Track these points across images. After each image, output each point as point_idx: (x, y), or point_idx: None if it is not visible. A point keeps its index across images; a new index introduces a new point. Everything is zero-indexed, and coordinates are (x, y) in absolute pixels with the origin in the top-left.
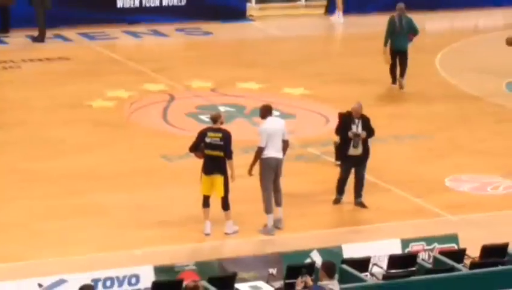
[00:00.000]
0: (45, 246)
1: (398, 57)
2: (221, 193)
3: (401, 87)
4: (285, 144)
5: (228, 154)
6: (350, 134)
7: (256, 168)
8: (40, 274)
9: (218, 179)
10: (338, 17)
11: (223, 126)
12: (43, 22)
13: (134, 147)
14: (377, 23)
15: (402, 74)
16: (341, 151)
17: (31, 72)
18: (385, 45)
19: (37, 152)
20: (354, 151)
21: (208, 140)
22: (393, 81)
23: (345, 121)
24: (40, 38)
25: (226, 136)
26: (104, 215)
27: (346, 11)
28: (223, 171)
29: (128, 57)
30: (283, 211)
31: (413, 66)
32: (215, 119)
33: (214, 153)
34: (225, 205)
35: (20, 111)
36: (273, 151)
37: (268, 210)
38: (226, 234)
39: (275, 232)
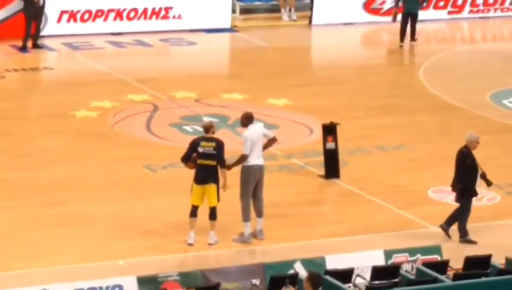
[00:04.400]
0: (29, 256)
1: (410, 19)
2: (215, 202)
3: (413, 40)
4: (274, 140)
5: (222, 163)
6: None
7: (237, 176)
8: (24, 284)
9: (212, 188)
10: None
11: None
12: (28, 31)
13: (118, 157)
14: (363, 34)
15: (412, 35)
16: (468, 187)
17: (15, 82)
18: (397, 5)
19: (20, 162)
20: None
21: (200, 150)
22: (401, 40)
23: (468, 156)
24: (24, 48)
25: (220, 145)
26: (87, 226)
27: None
28: (216, 181)
29: (112, 67)
30: (265, 222)
31: (398, 76)
32: (207, 128)
33: (207, 162)
34: (214, 215)
35: (4, 121)
36: (255, 159)
37: (245, 218)
38: (209, 244)
39: (252, 241)
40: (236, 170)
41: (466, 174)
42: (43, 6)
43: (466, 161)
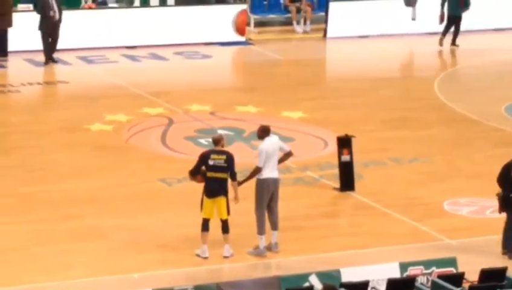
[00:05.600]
0: (43, 270)
1: (454, 22)
2: (225, 215)
3: (454, 45)
4: (289, 154)
5: (233, 176)
6: None
7: (252, 189)
8: None
9: (222, 200)
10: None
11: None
12: (45, 45)
13: (133, 171)
14: (376, 46)
15: (454, 39)
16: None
17: (30, 96)
18: (442, 7)
19: (35, 176)
20: None
21: (211, 162)
22: (440, 43)
23: (510, 167)
24: (47, 61)
25: (230, 158)
26: (102, 239)
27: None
28: (226, 193)
29: (127, 80)
30: (279, 235)
31: (412, 89)
32: (217, 141)
33: (217, 175)
34: (227, 228)
35: (19, 135)
36: (269, 171)
37: (260, 231)
38: (225, 257)
39: (267, 254)
40: (251, 183)
41: (507, 185)
42: (59, 21)
43: (508, 172)
